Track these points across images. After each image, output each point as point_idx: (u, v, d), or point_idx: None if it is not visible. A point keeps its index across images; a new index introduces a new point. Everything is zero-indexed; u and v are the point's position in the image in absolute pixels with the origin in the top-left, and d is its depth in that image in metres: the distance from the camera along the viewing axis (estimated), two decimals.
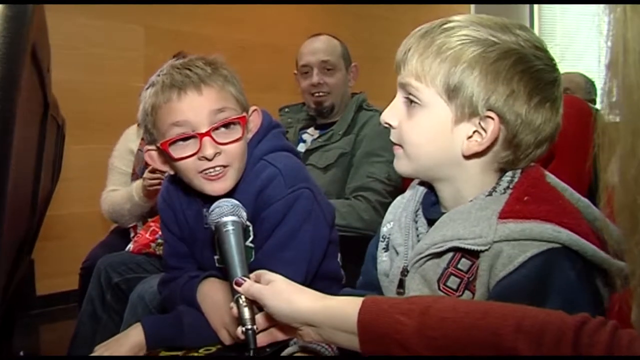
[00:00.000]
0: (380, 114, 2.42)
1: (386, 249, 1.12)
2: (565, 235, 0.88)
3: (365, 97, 2.40)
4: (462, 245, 0.93)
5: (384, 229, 1.15)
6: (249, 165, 1.36)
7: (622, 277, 0.91)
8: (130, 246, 2.24)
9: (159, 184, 2.19)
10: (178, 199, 1.44)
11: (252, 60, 4.26)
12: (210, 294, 1.36)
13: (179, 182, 1.40)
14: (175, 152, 1.28)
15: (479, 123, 0.95)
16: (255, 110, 1.39)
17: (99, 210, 2.56)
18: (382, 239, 1.15)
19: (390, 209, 1.18)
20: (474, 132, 0.96)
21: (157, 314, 1.68)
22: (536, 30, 5.77)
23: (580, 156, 1.73)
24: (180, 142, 1.27)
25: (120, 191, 2.44)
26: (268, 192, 1.33)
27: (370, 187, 2.12)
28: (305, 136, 2.44)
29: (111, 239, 2.60)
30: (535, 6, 5.83)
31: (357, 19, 4.98)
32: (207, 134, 1.26)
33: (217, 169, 1.28)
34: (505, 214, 0.92)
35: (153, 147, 1.34)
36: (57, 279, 3.41)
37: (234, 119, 1.30)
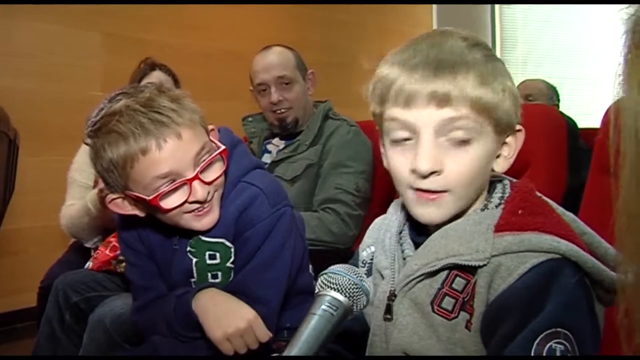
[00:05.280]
0: (348, 123, 2.40)
1: (368, 274, 1.07)
2: (565, 245, 0.86)
3: (331, 105, 2.34)
4: (459, 262, 0.89)
5: (364, 254, 1.10)
6: (226, 189, 1.32)
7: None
8: (89, 264, 2.15)
9: None
10: (142, 222, 1.37)
11: (215, 67, 4.19)
12: (210, 304, 1.29)
13: None
14: (164, 203, 1.21)
15: (505, 139, 0.95)
16: (213, 130, 1.34)
17: (57, 224, 2.46)
18: (363, 264, 1.09)
19: (368, 232, 1.13)
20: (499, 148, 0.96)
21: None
22: (497, 37, 5.83)
23: (554, 165, 1.73)
24: (167, 193, 1.21)
25: (75, 205, 2.33)
26: (251, 211, 1.30)
27: (338, 199, 2.08)
28: (270, 147, 2.37)
29: (70, 255, 2.49)
30: (497, 12, 5.86)
31: (321, 24, 4.95)
32: (196, 177, 1.21)
33: (206, 204, 1.25)
34: (501, 227, 0.90)
35: (118, 195, 1.27)
36: (14, 297, 3.28)
37: (217, 155, 1.25)
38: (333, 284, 0.84)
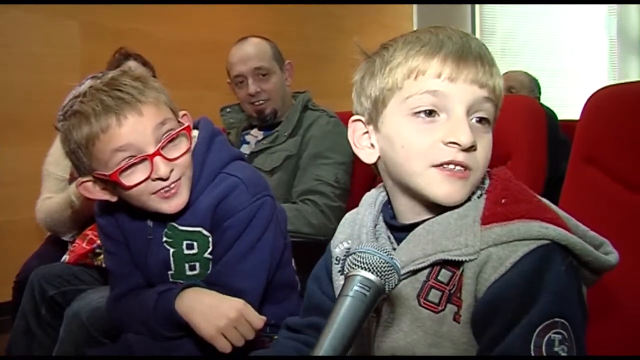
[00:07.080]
0: (327, 114, 2.39)
1: (342, 271, 1.05)
2: (553, 230, 0.86)
3: (309, 96, 2.33)
4: (448, 258, 0.88)
5: (337, 250, 1.07)
6: (205, 179, 1.31)
7: (602, 272, 0.92)
8: (66, 257, 2.13)
9: None
10: (117, 209, 1.36)
11: (195, 57, 4.15)
12: (197, 302, 1.27)
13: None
14: (126, 179, 1.20)
15: None
16: (185, 114, 1.33)
17: (33, 216, 2.42)
18: (337, 262, 1.06)
19: (340, 228, 1.10)
20: None
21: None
22: (477, 29, 5.86)
23: (535, 155, 1.73)
24: (129, 168, 1.20)
25: (55, 198, 2.29)
26: (230, 201, 1.29)
27: (318, 191, 2.07)
28: (248, 137, 2.36)
29: (46, 248, 2.45)
30: (477, 6, 5.89)
31: (301, 15, 4.92)
32: (157, 153, 1.20)
33: (172, 185, 1.23)
34: (488, 219, 0.89)
35: (88, 178, 1.26)
36: None
37: (180, 131, 1.24)
38: (363, 264, 0.78)
